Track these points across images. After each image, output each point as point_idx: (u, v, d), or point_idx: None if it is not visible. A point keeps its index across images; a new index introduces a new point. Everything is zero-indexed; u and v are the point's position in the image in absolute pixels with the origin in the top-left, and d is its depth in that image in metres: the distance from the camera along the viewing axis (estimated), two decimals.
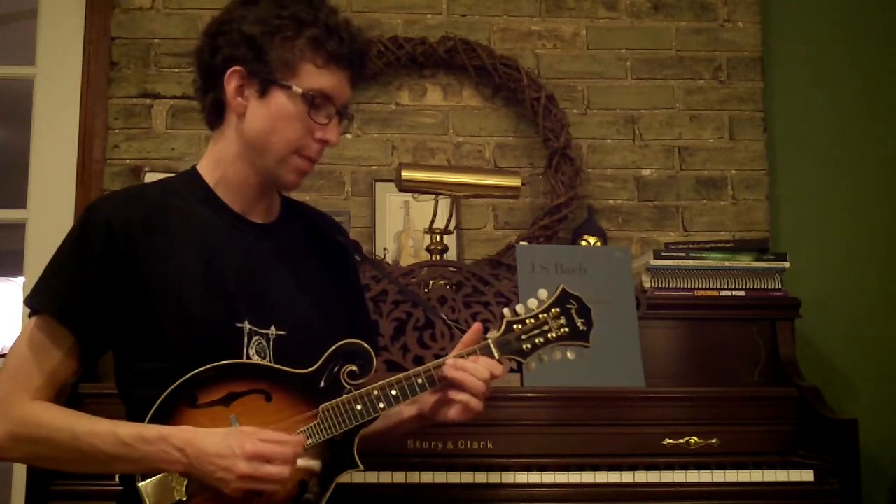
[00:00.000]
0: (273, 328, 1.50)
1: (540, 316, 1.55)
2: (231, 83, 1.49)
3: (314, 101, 1.49)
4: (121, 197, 1.54)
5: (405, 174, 2.33)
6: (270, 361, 1.48)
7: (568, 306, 1.56)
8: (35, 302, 1.45)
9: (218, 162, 1.56)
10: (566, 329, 1.55)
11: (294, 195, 1.70)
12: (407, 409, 1.58)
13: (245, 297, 1.49)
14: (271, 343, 1.50)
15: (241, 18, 1.49)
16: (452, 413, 1.51)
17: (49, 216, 2.64)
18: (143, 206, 1.49)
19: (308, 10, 1.48)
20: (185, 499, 1.36)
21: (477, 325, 1.55)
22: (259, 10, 1.49)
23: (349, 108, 1.57)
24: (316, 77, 1.48)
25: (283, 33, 1.47)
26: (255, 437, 1.35)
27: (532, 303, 1.56)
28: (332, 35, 1.48)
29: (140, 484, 1.36)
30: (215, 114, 1.55)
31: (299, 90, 1.47)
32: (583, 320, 1.57)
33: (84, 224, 1.46)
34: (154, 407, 1.39)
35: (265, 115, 1.49)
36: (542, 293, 1.57)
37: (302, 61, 1.48)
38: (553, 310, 1.56)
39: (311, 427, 1.43)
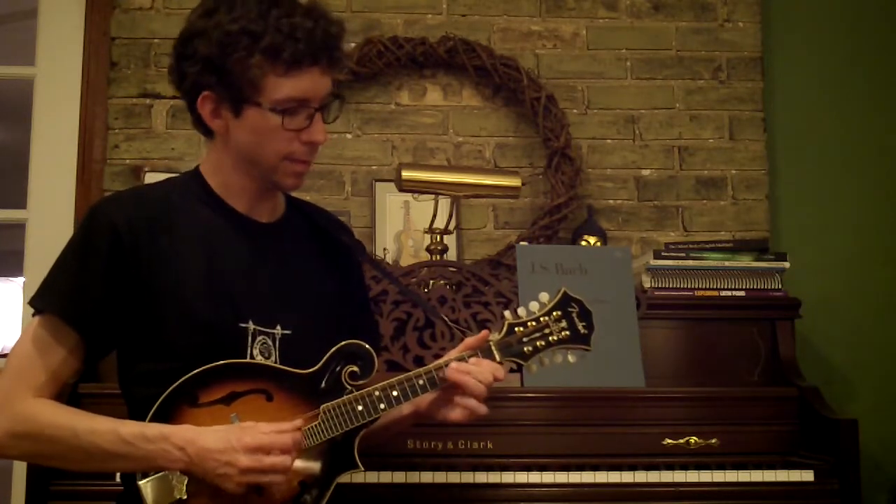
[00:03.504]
0: (279, 327, 1.51)
1: (541, 319, 1.55)
2: (205, 108, 1.48)
3: (286, 110, 1.45)
4: (125, 197, 1.53)
5: (405, 174, 2.33)
6: (276, 361, 1.49)
7: (569, 309, 1.56)
8: (40, 302, 1.45)
9: (217, 168, 1.55)
10: (567, 332, 1.55)
11: (296, 194, 1.70)
12: (404, 407, 1.58)
13: (249, 296, 1.49)
14: (277, 342, 1.50)
15: (200, 35, 1.44)
16: (455, 415, 1.51)
17: (49, 216, 2.64)
18: (148, 207, 1.49)
19: (257, 20, 1.42)
20: (185, 497, 1.36)
21: (484, 333, 1.54)
22: (213, 24, 1.43)
23: (334, 98, 1.52)
24: (281, 87, 1.44)
25: (237, 52, 1.42)
26: (253, 430, 1.36)
27: (533, 305, 1.56)
28: (286, 39, 1.41)
29: (140, 482, 1.36)
30: (204, 128, 1.54)
31: (267, 105, 1.44)
32: (584, 324, 1.57)
33: (89, 225, 1.46)
34: (155, 405, 1.39)
35: (246, 132, 1.47)
36: (544, 296, 1.57)
37: (262, 76, 1.43)
38: (554, 313, 1.56)
39: (312, 427, 1.43)
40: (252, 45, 1.41)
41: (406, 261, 2.61)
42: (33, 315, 1.46)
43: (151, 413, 1.39)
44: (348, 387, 1.48)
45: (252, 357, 1.47)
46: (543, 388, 2.06)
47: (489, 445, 2.02)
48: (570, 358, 1.56)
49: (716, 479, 1.94)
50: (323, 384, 1.48)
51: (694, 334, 2.28)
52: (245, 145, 1.49)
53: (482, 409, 1.50)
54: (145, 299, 1.44)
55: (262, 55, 1.42)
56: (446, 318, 2.01)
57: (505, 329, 1.54)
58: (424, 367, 1.51)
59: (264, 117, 1.45)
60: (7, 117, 4.31)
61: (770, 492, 1.94)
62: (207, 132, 1.54)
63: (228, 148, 1.51)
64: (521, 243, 2.51)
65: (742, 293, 2.31)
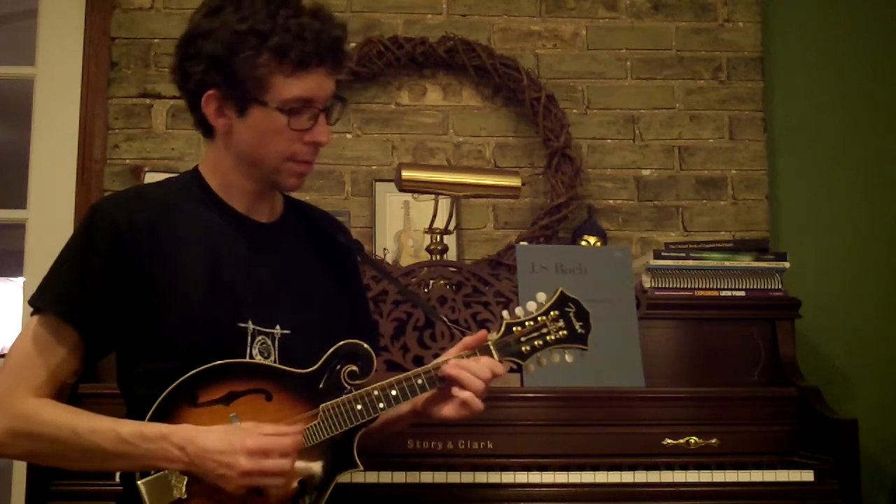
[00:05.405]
0: (278, 327, 1.51)
1: (539, 319, 1.55)
2: (209, 107, 1.47)
3: (292, 110, 1.46)
4: (126, 197, 1.54)
5: (405, 174, 2.33)
6: (275, 361, 1.49)
7: (566, 309, 1.57)
8: (40, 301, 1.45)
9: (217, 168, 1.56)
10: (564, 332, 1.55)
11: (295, 195, 1.70)
12: (403, 406, 1.57)
13: (248, 296, 1.49)
14: (276, 342, 1.50)
15: (205, 35, 1.45)
16: (449, 410, 1.51)
17: (49, 216, 2.65)
18: (148, 207, 1.49)
19: (266, 20, 1.42)
20: (184, 497, 1.36)
21: (482, 333, 1.54)
22: (220, 24, 1.44)
23: (336, 100, 1.52)
24: (288, 87, 1.44)
25: (244, 52, 1.42)
26: (254, 431, 1.36)
27: (531, 305, 1.56)
28: (295, 40, 1.42)
29: (139, 482, 1.36)
30: (205, 128, 1.54)
31: (274, 105, 1.45)
32: (581, 323, 1.57)
33: (90, 224, 1.46)
34: (155, 405, 1.39)
35: (249, 132, 1.47)
36: (541, 296, 1.57)
37: (270, 75, 1.43)
38: (552, 312, 1.56)
39: (312, 427, 1.43)
40: (260, 44, 1.42)
41: (406, 261, 2.61)
42: (32, 314, 1.46)
43: (151, 412, 1.39)
44: (347, 386, 1.48)
45: (251, 357, 1.47)
46: (543, 388, 2.06)
47: (489, 445, 2.02)
48: (568, 357, 1.57)
49: (716, 479, 1.94)
50: (322, 384, 1.48)
51: (694, 334, 2.28)
52: (247, 146, 1.49)
53: (478, 404, 1.49)
54: (145, 299, 1.44)
55: (270, 54, 1.42)
56: (445, 319, 2.01)
57: (503, 329, 1.54)
58: (423, 367, 1.51)
59: (269, 117, 1.46)
60: (7, 117, 4.31)
61: (770, 492, 1.94)
62: (208, 132, 1.54)
63: (230, 148, 1.51)
64: (521, 243, 2.51)
65: (742, 293, 2.31)
